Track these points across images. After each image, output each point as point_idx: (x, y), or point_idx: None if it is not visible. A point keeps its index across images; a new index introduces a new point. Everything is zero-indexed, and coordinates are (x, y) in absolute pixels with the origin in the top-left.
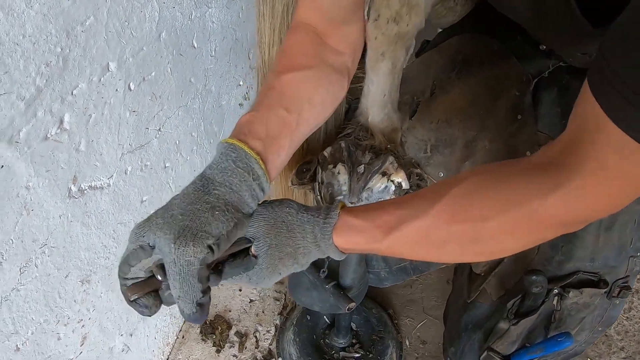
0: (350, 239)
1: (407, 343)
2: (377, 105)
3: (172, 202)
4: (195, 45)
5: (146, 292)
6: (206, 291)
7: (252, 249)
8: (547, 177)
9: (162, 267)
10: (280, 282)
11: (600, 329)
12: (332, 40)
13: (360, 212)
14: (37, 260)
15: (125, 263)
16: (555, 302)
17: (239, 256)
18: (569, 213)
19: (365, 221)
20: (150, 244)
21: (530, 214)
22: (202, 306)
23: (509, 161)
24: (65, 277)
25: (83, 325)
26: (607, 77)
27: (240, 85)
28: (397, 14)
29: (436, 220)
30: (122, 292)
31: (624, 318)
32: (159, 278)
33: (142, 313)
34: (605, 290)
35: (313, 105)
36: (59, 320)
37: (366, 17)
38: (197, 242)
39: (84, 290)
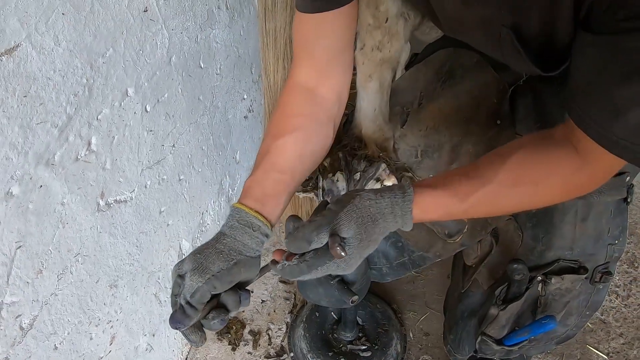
0: (427, 208)
1: (411, 335)
2: (369, 119)
3: (200, 247)
4: (202, 66)
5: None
6: (196, 306)
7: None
8: (574, 157)
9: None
10: (290, 283)
11: (587, 312)
12: (323, 90)
13: (434, 184)
14: (72, 268)
15: (172, 295)
16: (539, 288)
17: (321, 249)
18: (590, 184)
19: (442, 191)
20: (181, 275)
21: (567, 181)
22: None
23: (541, 135)
24: (96, 282)
25: (112, 326)
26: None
27: (244, 99)
28: (380, 43)
29: (501, 186)
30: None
31: (622, 305)
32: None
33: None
34: (585, 276)
35: (303, 160)
36: (91, 322)
37: (354, 46)
38: (201, 274)
39: (112, 294)
